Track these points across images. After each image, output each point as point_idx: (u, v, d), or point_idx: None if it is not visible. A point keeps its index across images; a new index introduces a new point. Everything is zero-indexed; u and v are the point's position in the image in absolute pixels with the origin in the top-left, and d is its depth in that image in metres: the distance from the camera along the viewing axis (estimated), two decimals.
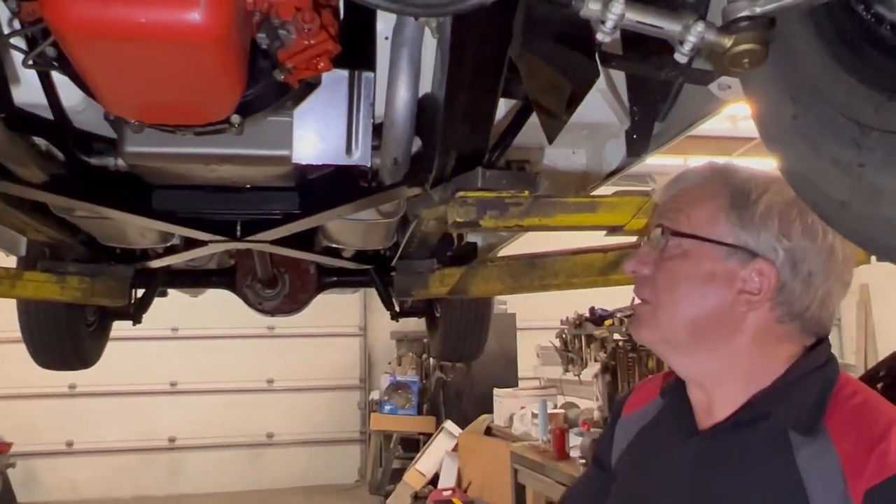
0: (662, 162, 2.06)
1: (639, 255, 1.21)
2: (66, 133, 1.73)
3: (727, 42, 0.88)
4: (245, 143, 1.59)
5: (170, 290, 3.73)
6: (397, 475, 8.26)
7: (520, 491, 5.75)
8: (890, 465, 0.99)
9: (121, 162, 1.78)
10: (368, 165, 1.66)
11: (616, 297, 4.87)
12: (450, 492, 7.00)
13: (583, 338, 5.75)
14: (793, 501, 1.04)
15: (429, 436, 8.15)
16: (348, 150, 1.61)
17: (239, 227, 2.22)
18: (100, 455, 9.26)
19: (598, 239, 2.37)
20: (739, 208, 1.13)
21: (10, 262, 2.78)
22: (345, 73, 1.57)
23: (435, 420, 8.43)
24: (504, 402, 6.98)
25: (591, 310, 5.70)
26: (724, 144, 8.35)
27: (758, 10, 0.87)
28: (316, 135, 1.61)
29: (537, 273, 2.51)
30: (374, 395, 9.27)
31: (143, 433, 9.38)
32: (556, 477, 5.01)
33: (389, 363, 9.36)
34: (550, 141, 1.51)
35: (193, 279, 3.47)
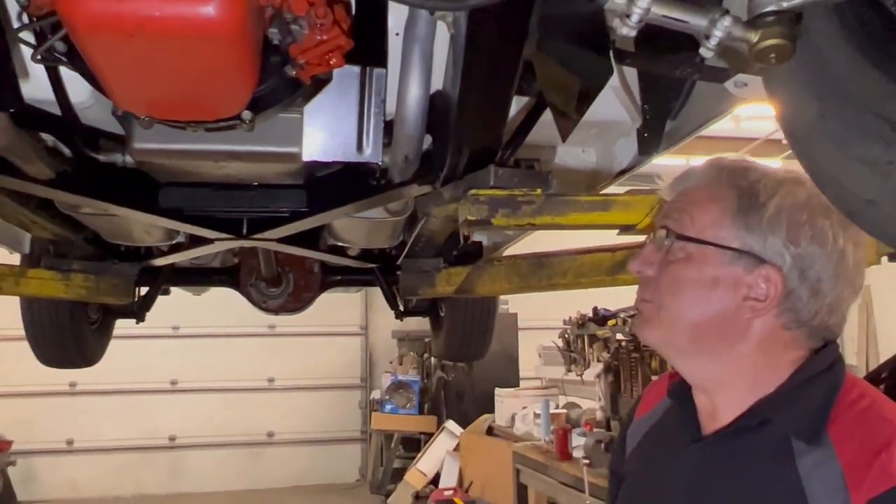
0: (664, 162, 2.05)
1: (643, 256, 1.19)
2: (73, 129, 1.71)
3: (753, 37, 0.86)
4: (255, 140, 1.58)
5: (172, 289, 3.72)
6: (398, 475, 8.26)
7: (522, 491, 5.73)
8: (892, 475, 0.97)
9: (128, 158, 1.77)
10: (379, 163, 1.64)
11: (619, 297, 4.88)
12: (451, 492, 6.99)
13: (585, 338, 5.73)
14: None
15: (430, 435, 8.14)
16: (359, 147, 1.60)
17: (245, 225, 2.21)
18: (100, 453, 9.24)
19: (603, 239, 2.37)
20: (746, 212, 1.10)
21: (14, 259, 2.77)
22: (356, 69, 1.56)
23: (436, 420, 8.42)
24: (506, 401, 6.97)
25: (595, 310, 5.68)
26: (727, 145, 8.34)
27: (785, 4, 0.85)
28: (326, 131, 1.60)
29: (545, 272, 2.50)
30: (375, 395, 9.26)
31: (144, 432, 9.36)
32: (559, 477, 5.00)
33: (391, 362, 9.35)
34: (564, 139, 1.50)
35: (197, 277, 3.47)
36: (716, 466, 1.12)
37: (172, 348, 9.41)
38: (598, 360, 5.54)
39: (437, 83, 1.59)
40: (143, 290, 3.28)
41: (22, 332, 3.20)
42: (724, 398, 1.14)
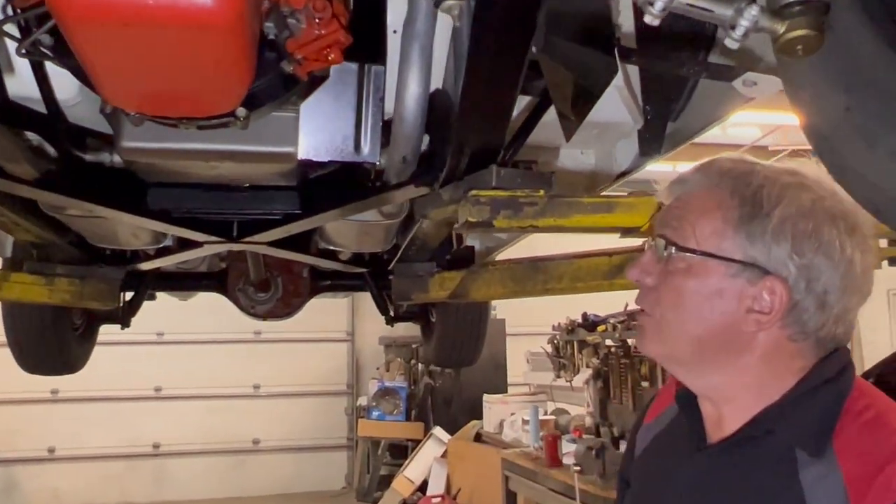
0: (650, 168, 2.03)
1: (642, 264, 1.14)
2: (59, 128, 1.66)
3: (780, 28, 0.83)
4: (249, 139, 1.53)
5: (157, 294, 3.66)
6: (385, 482, 8.20)
7: (511, 498, 5.70)
8: (895, 490, 0.94)
9: (116, 158, 1.71)
10: (378, 163, 1.60)
11: (609, 303, 4.85)
12: (439, 499, 6.95)
13: (575, 343, 5.71)
14: None
15: (417, 442, 8.09)
16: (357, 147, 1.55)
17: (236, 228, 2.16)
18: (83, 461, 9.11)
19: (597, 243, 2.34)
20: (750, 222, 1.05)
21: None
22: (354, 66, 1.51)
23: (423, 426, 8.37)
24: (494, 408, 6.92)
25: (584, 315, 5.67)
26: (713, 151, 8.33)
27: None
28: (323, 130, 1.55)
29: (540, 277, 2.47)
30: (362, 401, 9.20)
31: (127, 439, 9.24)
32: (549, 484, 4.97)
33: (378, 368, 9.30)
34: (568, 139, 1.46)
35: (184, 282, 3.40)
36: (719, 476, 1.10)
37: (156, 354, 9.31)
38: (588, 366, 5.52)
39: (435, 82, 1.55)
40: (129, 295, 3.21)
41: (3, 339, 3.13)
42: (729, 407, 1.11)
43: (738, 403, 1.10)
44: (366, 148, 1.56)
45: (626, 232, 1.64)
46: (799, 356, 1.08)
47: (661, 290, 1.11)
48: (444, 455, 7.47)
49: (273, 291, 3.34)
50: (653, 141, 1.83)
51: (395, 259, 2.68)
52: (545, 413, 6.31)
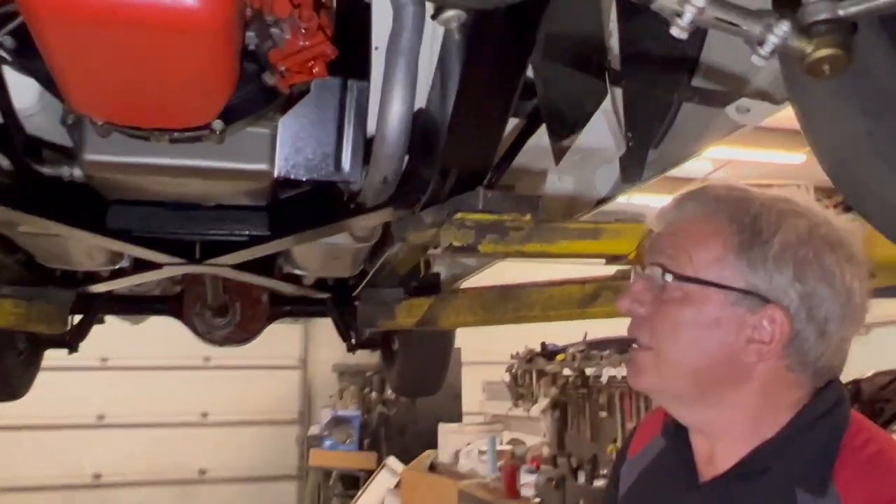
0: (623, 200, 2.01)
1: (633, 293, 1.10)
2: (15, 138, 1.56)
3: (808, 47, 0.80)
4: (222, 155, 1.45)
5: (105, 317, 3.50)
6: None
7: None
8: None
9: (76, 172, 1.60)
10: (359, 182, 1.53)
11: (568, 333, 4.83)
12: None
13: (533, 373, 5.69)
14: None
15: (370, 472, 7.93)
16: (337, 165, 1.48)
17: (199, 249, 2.06)
18: (19, 492, 8.69)
19: (568, 272, 2.30)
20: (750, 249, 1.02)
21: None
22: (336, 81, 1.45)
23: (376, 456, 8.22)
24: (449, 437, 6.84)
25: (543, 345, 5.66)
26: (666, 183, 8.46)
27: (841, 12, 0.79)
28: (301, 147, 1.48)
29: (511, 305, 2.42)
30: (314, 430, 9.02)
31: (67, 470, 8.86)
32: None
33: (330, 397, 9.14)
34: (557, 162, 1.42)
35: (138, 305, 3.26)
36: None
37: (100, 381, 8.97)
38: (546, 396, 5.50)
39: (418, 101, 1.49)
40: (77, 318, 3.06)
41: None
42: (722, 443, 1.07)
43: (733, 439, 1.06)
44: (346, 167, 1.49)
45: (613, 259, 1.61)
46: (796, 387, 1.05)
47: (655, 320, 1.07)
48: (397, 486, 7.32)
49: (231, 317, 3.23)
50: (634, 167, 1.80)
51: (362, 284, 2.60)
52: (501, 443, 6.25)
